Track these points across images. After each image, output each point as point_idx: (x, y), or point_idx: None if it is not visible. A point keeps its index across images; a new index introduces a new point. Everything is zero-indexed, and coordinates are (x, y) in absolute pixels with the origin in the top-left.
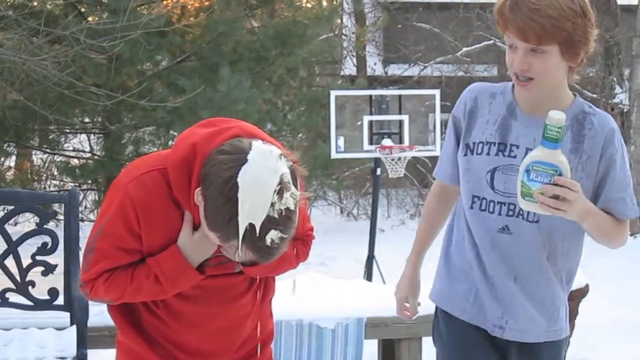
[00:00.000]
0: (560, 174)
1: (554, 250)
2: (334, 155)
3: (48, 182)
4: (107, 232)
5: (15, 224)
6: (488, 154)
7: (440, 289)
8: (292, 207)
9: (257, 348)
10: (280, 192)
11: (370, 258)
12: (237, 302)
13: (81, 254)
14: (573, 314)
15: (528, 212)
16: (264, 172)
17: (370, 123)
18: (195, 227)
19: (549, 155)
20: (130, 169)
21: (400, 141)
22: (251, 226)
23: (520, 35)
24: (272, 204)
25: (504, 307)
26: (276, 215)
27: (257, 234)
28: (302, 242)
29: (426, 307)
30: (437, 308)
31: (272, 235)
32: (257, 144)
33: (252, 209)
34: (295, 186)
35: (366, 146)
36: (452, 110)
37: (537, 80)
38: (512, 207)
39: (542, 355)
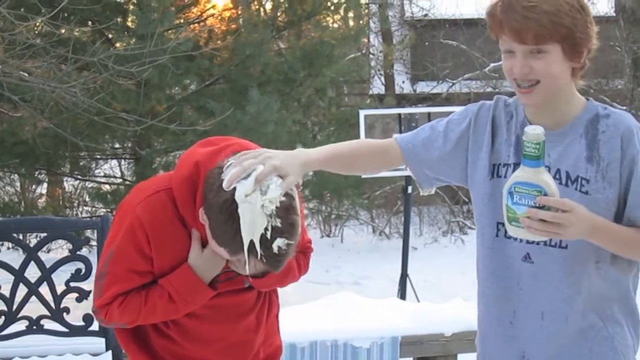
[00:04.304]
0: (545, 195)
1: (587, 277)
2: (364, 174)
3: (80, 209)
4: (118, 256)
5: (48, 251)
6: (505, 176)
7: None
8: (292, 214)
9: None
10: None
11: (404, 276)
12: (246, 318)
13: None
14: None
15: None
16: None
17: None
18: (203, 244)
19: (531, 175)
20: (135, 191)
21: None
22: (256, 238)
23: (517, 37)
24: (272, 214)
25: (524, 345)
26: (279, 224)
27: (264, 244)
28: (302, 254)
29: (462, 323)
30: None
31: (279, 242)
32: None
33: (252, 222)
34: (292, 194)
35: None
36: (474, 108)
37: (543, 83)
38: None
39: None
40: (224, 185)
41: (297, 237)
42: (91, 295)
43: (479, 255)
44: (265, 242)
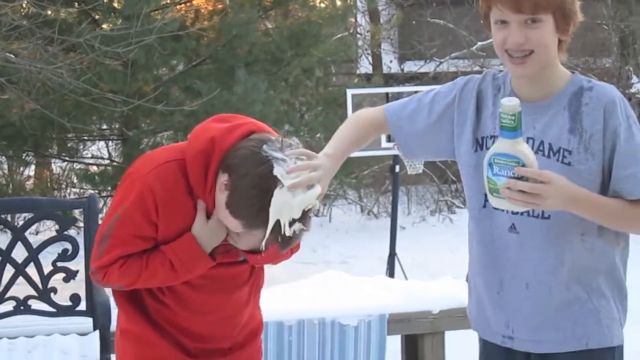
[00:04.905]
0: (523, 166)
1: (571, 248)
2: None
3: (68, 190)
4: (124, 221)
5: (37, 232)
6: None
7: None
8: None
9: (253, 334)
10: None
11: (392, 255)
12: (239, 291)
13: None
14: None
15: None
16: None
17: None
18: (207, 215)
19: (508, 146)
20: (146, 159)
21: None
22: (282, 220)
23: (514, 6)
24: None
25: (510, 315)
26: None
27: (284, 226)
28: None
29: (449, 301)
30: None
31: (295, 227)
32: None
33: (283, 205)
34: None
35: (384, 144)
36: (461, 82)
37: (536, 53)
38: None
39: None
40: (289, 184)
41: (309, 226)
42: (78, 275)
43: (469, 225)
44: (287, 225)
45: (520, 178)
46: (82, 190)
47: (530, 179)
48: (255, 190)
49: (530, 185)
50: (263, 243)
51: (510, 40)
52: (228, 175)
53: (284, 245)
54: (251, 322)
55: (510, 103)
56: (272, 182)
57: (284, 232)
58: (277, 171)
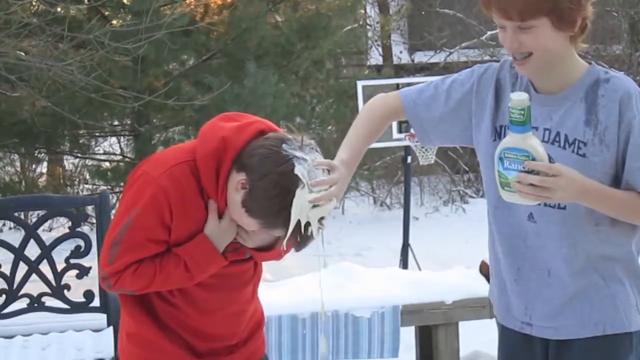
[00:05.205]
0: (533, 159)
1: (586, 238)
2: None
3: (80, 187)
4: (138, 225)
5: (50, 229)
6: None
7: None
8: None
9: (257, 327)
10: None
11: (405, 246)
12: (245, 288)
13: None
14: None
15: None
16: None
17: None
18: (219, 214)
19: (519, 141)
20: (155, 162)
21: None
22: (303, 219)
23: (503, 14)
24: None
25: (527, 302)
26: None
27: (303, 226)
28: None
29: (462, 291)
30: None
31: (313, 227)
32: None
33: (304, 204)
34: None
35: (395, 135)
36: (480, 71)
37: (535, 55)
38: None
39: (586, 352)
40: (311, 198)
41: (324, 225)
42: (91, 271)
43: (487, 212)
44: (305, 224)
45: (530, 172)
46: (94, 187)
47: (540, 172)
48: (277, 189)
49: (541, 179)
50: (284, 242)
51: (507, 44)
52: (245, 175)
53: (302, 244)
54: (254, 316)
55: (519, 98)
56: (294, 181)
57: (303, 232)
58: (299, 170)
